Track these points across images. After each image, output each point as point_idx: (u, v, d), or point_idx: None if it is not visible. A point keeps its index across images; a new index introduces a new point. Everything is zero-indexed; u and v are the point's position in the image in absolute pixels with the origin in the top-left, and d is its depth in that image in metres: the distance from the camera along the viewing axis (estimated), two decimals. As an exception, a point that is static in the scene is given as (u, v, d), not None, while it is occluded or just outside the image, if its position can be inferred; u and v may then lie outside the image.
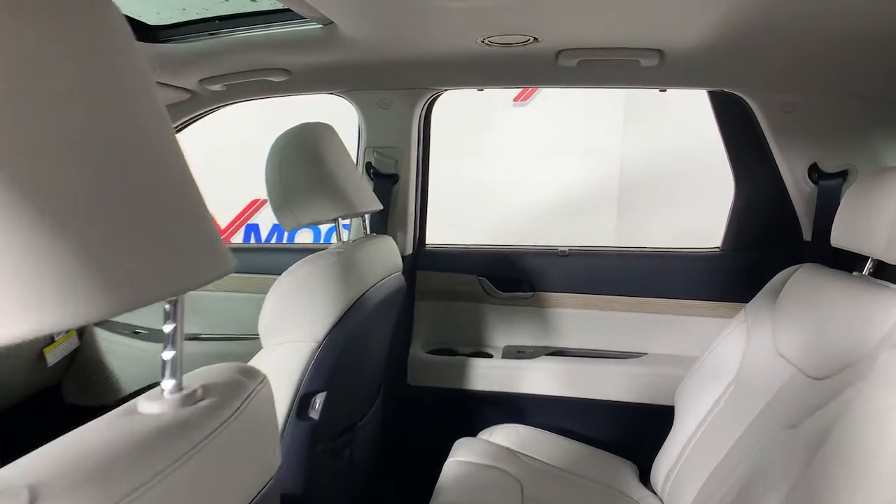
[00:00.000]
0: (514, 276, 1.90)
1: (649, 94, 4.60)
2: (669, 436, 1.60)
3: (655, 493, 1.59)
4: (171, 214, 0.44)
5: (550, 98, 4.30)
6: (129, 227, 0.39)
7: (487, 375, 1.85)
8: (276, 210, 1.28)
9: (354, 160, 1.79)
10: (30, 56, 0.36)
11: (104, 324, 2.07)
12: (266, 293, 1.19)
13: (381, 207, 1.53)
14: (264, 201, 4.25)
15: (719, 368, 1.55)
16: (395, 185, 1.79)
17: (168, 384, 0.52)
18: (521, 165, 4.49)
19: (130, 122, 0.43)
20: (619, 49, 1.37)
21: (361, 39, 1.31)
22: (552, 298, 1.89)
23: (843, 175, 1.59)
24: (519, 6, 1.09)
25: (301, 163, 1.28)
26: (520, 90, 4.32)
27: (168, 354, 0.51)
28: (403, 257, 1.75)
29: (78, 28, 0.40)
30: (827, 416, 1.11)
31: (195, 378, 0.58)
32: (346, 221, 1.73)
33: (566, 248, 1.88)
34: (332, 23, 1.23)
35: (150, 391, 0.53)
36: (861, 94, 1.53)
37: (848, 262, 1.59)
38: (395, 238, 1.71)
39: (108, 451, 0.43)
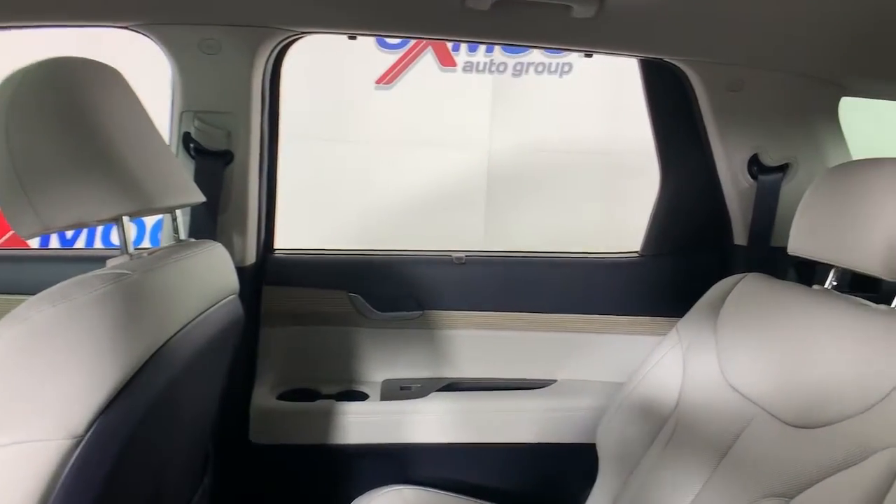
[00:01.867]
0: (397, 290, 1.46)
1: (518, 84, 4.42)
2: (595, 487, 1.28)
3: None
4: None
5: (416, 83, 3.95)
6: None
7: (361, 423, 1.39)
8: (5, 205, 0.73)
9: (166, 129, 1.24)
10: None
11: None
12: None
13: (203, 199, 1.01)
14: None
15: (651, 403, 1.25)
16: (229, 166, 1.26)
17: None
18: (383, 154, 4.10)
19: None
20: None
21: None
22: (445, 318, 1.48)
23: (783, 169, 1.37)
24: None
25: (49, 125, 0.74)
26: (383, 72, 3.91)
27: None
28: (241, 269, 1.24)
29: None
30: (850, 488, 0.82)
31: None
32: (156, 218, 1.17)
33: (462, 255, 1.48)
34: None
35: None
36: (810, 76, 1.30)
37: (782, 270, 1.39)
38: (228, 243, 1.20)
39: None
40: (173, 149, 1.23)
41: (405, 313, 1.46)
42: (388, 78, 3.96)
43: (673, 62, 1.28)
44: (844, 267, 1.04)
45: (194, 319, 0.88)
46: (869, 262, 0.96)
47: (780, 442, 0.98)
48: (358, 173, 3.97)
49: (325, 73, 3.64)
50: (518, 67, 4.04)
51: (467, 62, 4.02)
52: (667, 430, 1.20)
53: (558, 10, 1.05)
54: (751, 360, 1.11)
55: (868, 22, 1.01)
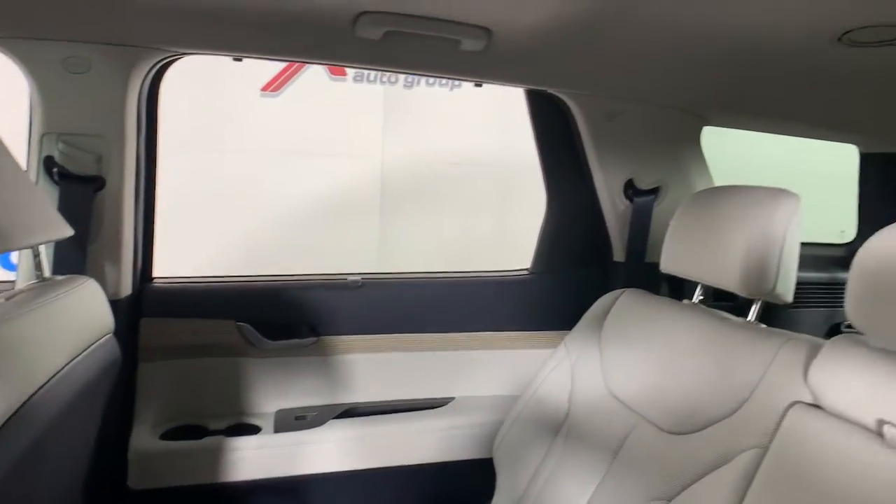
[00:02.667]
0: (289, 318, 1.42)
1: (410, 95, 4.43)
2: (494, 499, 1.31)
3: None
4: None
5: (305, 91, 3.85)
6: None
7: (254, 458, 1.33)
8: None
9: (24, 153, 1.12)
10: None
11: None
12: None
13: (71, 232, 0.92)
14: None
15: (544, 415, 1.31)
16: (100, 192, 1.16)
17: None
18: (269, 165, 3.94)
19: None
20: (439, 21, 1.00)
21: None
22: (340, 343, 1.45)
23: (655, 192, 1.48)
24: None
25: None
26: (269, 79, 3.78)
27: None
28: (116, 302, 1.15)
29: None
30: (720, 487, 0.90)
31: None
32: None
33: (359, 278, 1.46)
34: None
35: None
36: (677, 109, 1.42)
37: (657, 284, 1.50)
38: (100, 276, 1.11)
39: None
40: (32, 175, 1.12)
41: (298, 340, 1.42)
42: (275, 86, 3.82)
43: (555, 93, 1.35)
44: (707, 284, 1.14)
45: (63, 369, 0.80)
46: (727, 280, 1.06)
47: (658, 448, 1.06)
48: (242, 185, 3.79)
49: (206, 78, 3.46)
50: (409, 79, 4.06)
51: (358, 72, 3.97)
52: (559, 440, 1.25)
53: (448, 43, 1.07)
54: (630, 371, 1.19)
55: (726, 64, 1.12)
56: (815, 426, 0.81)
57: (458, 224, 4.16)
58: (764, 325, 1.06)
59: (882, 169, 1.73)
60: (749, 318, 1.09)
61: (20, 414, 0.68)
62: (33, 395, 0.72)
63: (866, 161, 1.76)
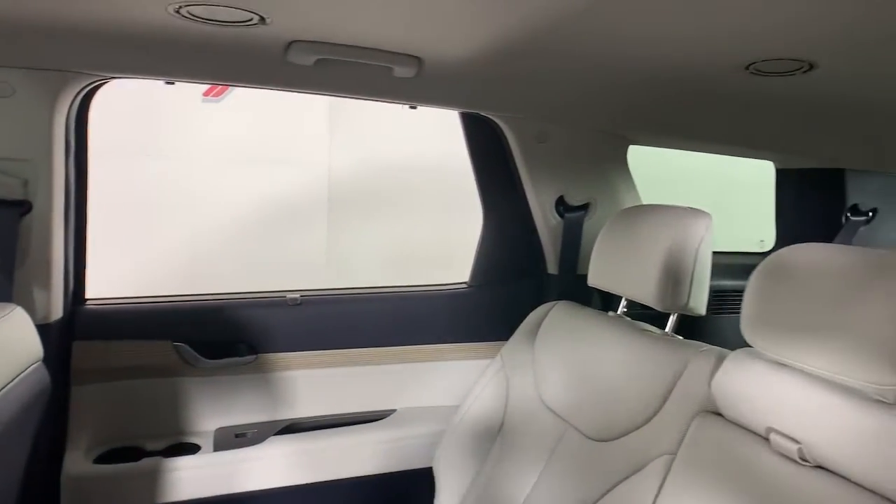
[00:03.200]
0: (228, 336, 1.42)
1: (356, 101, 4.44)
2: (433, 507, 1.35)
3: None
4: None
5: (248, 97, 3.79)
6: None
7: (194, 477, 1.33)
8: None
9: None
10: None
11: None
12: None
13: None
14: None
15: (480, 425, 1.36)
16: (26, 216, 1.14)
17: None
18: (213, 172, 3.86)
19: None
20: (369, 50, 1.04)
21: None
22: (280, 360, 1.46)
23: (584, 208, 1.55)
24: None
25: None
26: (211, 84, 3.71)
27: None
28: (46, 326, 1.14)
29: None
30: (636, 492, 0.96)
31: None
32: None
33: (297, 295, 1.48)
34: None
35: None
36: (603, 130, 1.50)
37: (587, 296, 1.57)
38: (28, 301, 1.10)
39: None
40: (-46, 199, 1.09)
41: (237, 359, 1.42)
42: (217, 91, 3.75)
43: (488, 115, 1.40)
44: (628, 298, 1.22)
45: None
46: (645, 295, 1.13)
47: (583, 454, 1.12)
48: (183, 194, 3.71)
49: (145, 83, 3.38)
50: (354, 86, 4.03)
51: (303, 79, 3.92)
52: (495, 448, 1.31)
53: (380, 70, 1.10)
54: (560, 380, 1.25)
55: (647, 89, 1.19)
56: (716, 433, 0.88)
57: (407, 233, 4.17)
58: (679, 337, 1.14)
59: (796, 183, 1.86)
60: (666, 329, 1.16)
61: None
62: None
63: (782, 176, 1.88)
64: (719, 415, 0.91)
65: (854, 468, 0.69)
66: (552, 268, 1.59)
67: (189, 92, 3.67)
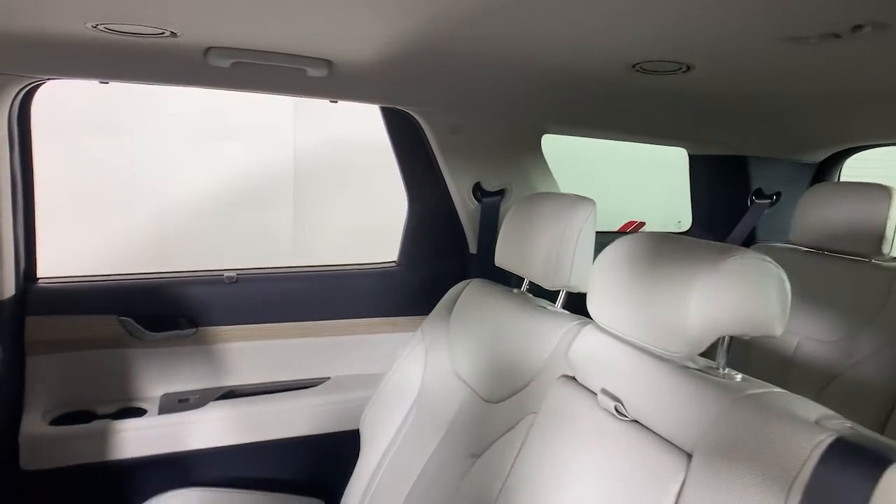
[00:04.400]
0: (169, 311, 1.56)
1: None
2: (357, 465, 1.51)
3: (346, 531, 1.49)
4: None
5: (212, 75, 3.81)
6: None
7: (140, 437, 1.48)
8: None
9: None
10: None
11: None
12: None
13: None
14: None
15: (401, 391, 1.51)
16: (-24, 204, 1.27)
17: None
18: (178, 149, 3.92)
19: None
20: (282, 55, 1.16)
21: None
22: (219, 333, 1.61)
23: (500, 193, 1.69)
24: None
25: None
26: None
27: None
28: (1, 303, 1.26)
29: None
30: (508, 446, 1.13)
31: None
32: None
33: (234, 273, 1.62)
34: None
35: None
36: (515, 121, 1.63)
37: (503, 274, 1.72)
38: None
39: None
40: None
41: (179, 332, 1.57)
42: (183, 68, 3.78)
43: (403, 109, 1.53)
44: (524, 277, 1.36)
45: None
46: (535, 274, 1.28)
47: (478, 414, 1.28)
48: (150, 170, 3.77)
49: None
50: (318, 66, 4.09)
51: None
52: (411, 412, 1.46)
53: (294, 70, 1.23)
54: (468, 350, 1.41)
55: (549, 84, 1.32)
56: (567, 393, 1.04)
57: (371, 211, 4.27)
58: (566, 312, 1.29)
59: (706, 169, 2.01)
60: (557, 305, 1.32)
61: None
62: None
63: (694, 162, 2.04)
64: (574, 378, 1.07)
65: (657, 421, 0.85)
66: (472, 248, 1.74)
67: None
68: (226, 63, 1.17)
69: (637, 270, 0.91)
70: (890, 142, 1.83)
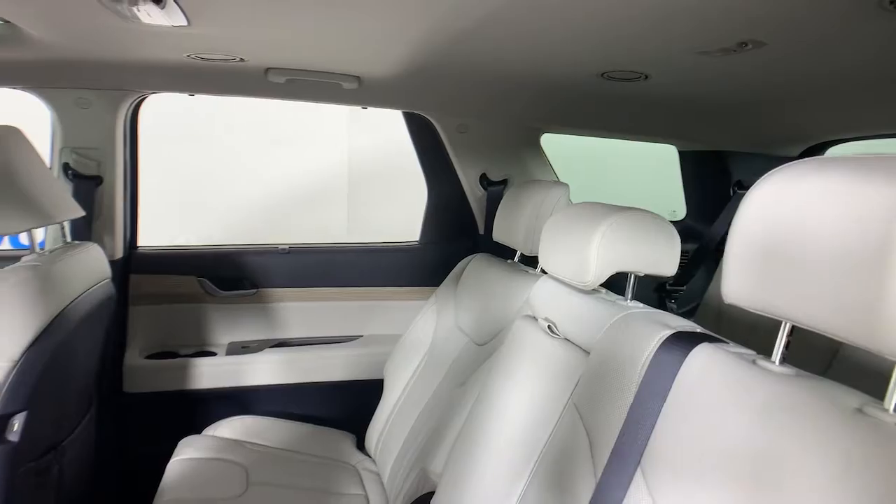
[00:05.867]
0: (236, 274, 1.97)
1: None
2: (379, 406, 1.87)
3: (370, 457, 1.84)
4: None
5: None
6: None
7: (211, 373, 1.90)
8: None
9: (49, 162, 1.66)
10: None
11: None
12: None
13: (83, 213, 1.46)
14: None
15: (415, 345, 1.86)
16: (100, 187, 1.71)
17: None
18: (247, 154, 4.42)
19: None
20: (322, 73, 1.54)
21: (49, 40, 1.25)
22: (274, 294, 2.01)
23: (504, 183, 2.02)
24: (222, 33, 1.18)
25: None
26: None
27: None
28: (113, 262, 1.69)
29: None
30: (482, 373, 1.46)
31: None
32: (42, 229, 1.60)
33: (287, 246, 2.02)
34: (11, 23, 1.16)
35: None
36: (514, 121, 1.97)
37: (506, 249, 2.05)
38: (101, 243, 1.65)
39: None
40: (55, 174, 1.66)
41: (243, 291, 1.97)
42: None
43: (419, 112, 1.89)
44: (513, 248, 1.68)
45: (81, 295, 1.35)
46: (519, 244, 1.60)
47: (470, 354, 1.61)
48: (221, 173, 4.29)
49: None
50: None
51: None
52: (422, 362, 1.81)
53: (333, 84, 1.61)
54: (468, 308, 1.74)
55: (540, 93, 1.62)
56: (524, 326, 1.36)
57: (413, 206, 4.61)
58: (541, 272, 1.60)
59: (693, 163, 2.27)
60: (537, 269, 1.63)
61: (56, 319, 1.23)
62: (64, 308, 1.26)
63: (683, 157, 2.30)
64: (531, 316, 1.38)
65: (573, 333, 1.16)
66: (481, 229, 2.07)
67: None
68: (281, 79, 1.56)
69: (567, 229, 1.22)
70: (861, 135, 2.04)
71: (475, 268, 1.83)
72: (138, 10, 0.98)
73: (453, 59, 1.34)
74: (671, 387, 0.87)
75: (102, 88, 1.64)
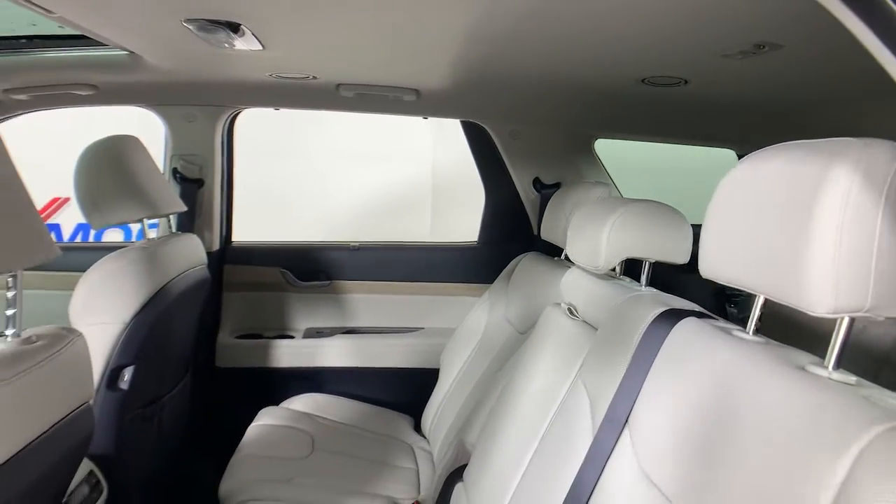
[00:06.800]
0: (313, 267, 2.22)
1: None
2: (434, 391, 2.03)
3: (425, 437, 2.01)
4: (11, 221, 0.71)
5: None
6: None
7: (290, 353, 2.15)
8: (86, 212, 1.47)
9: (161, 166, 1.99)
10: None
11: None
12: (69, 290, 1.36)
13: (185, 209, 1.75)
14: (66, 200, 4.08)
15: (469, 335, 2.01)
16: (201, 188, 2.02)
17: (10, 331, 0.77)
18: (339, 167, 4.79)
19: None
20: (386, 87, 1.75)
21: (164, 67, 1.55)
22: (346, 286, 2.24)
23: (556, 186, 2.14)
24: (294, 55, 1.42)
25: (108, 170, 1.48)
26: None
27: (10, 312, 0.77)
28: (210, 253, 1.98)
29: None
30: (517, 356, 1.59)
31: (31, 331, 0.83)
32: (154, 221, 1.91)
33: (357, 243, 2.25)
34: (135, 53, 1.45)
35: None
36: (564, 127, 2.09)
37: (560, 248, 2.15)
38: (201, 236, 1.94)
39: None
40: (166, 176, 1.99)
41: (318, 282, 2.22)
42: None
43: (475, 121, 2.06)
44: (559, 246, 1.79)
45: (180, 275, 1.63)
46: (561, 241, 1.71)
47: (512, 342, 1.73)
48: (315, 184, 4.68)
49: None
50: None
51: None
52: (474, 351, 1.95)
53: (395, 98, 1.81)
54: (518, 302, 1.87)
55: (590, 100, 1.74)
56: (552, 313, 1.47)
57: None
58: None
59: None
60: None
61: (159, 292, 1.50)
62: (166, 284, 1.54)
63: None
64: (559, 304, 1.49)
65: (589, 314, 1.27)
66: (535, 230, 2.19)
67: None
68: (350, 94, 1.79)
69: (586, 219, 1.34)
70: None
71: (525, 265, 1.96)
72: (224, 39, 1.22)
73: (498, 67, 1.48)
74: (657, 355, 0.97)
75: (205, 104, 1.95)
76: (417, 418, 2.10)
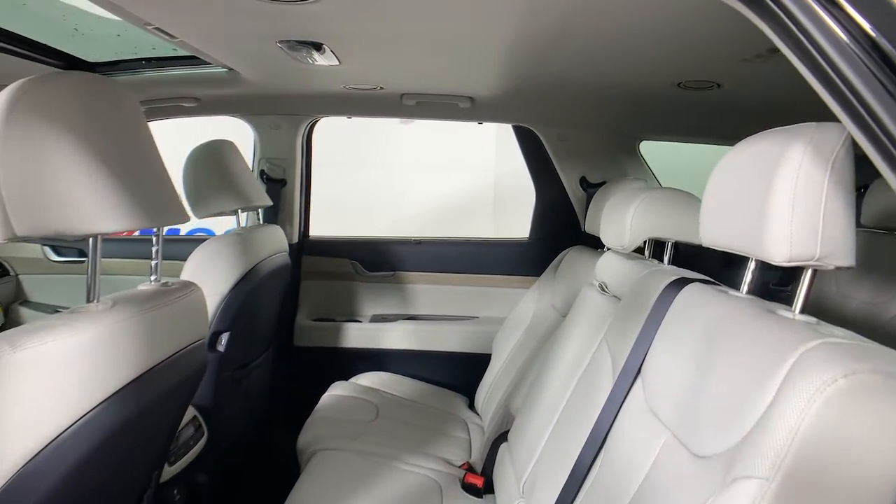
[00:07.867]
0: (380, 259, 2.47)
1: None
2: (486, 372, 2.22)
3: (477, 413, 2.19)
4: (156, 187, 0.96)
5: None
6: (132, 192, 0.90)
7: (358, 336, 2.40)
8: (191, 203, 1.76)
9: (251, 167, 2.29)
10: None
11: (28, 303, 2.42)
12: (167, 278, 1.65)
13: (271, 203, 2.03)
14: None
15: (518, 321, 2.19)
16: (284, 187, 2.31)
17: (153, 277, 1.04)
18: (407, 177, 5.08)
19: (133, 144, 0.95)
20: (443, 95, 1.98)
21: (256, 81, 1.83)
22: (408, 276, 2.47)
23: (602, 184, 2.29)
24: (365, 69, 1.67)
25: (209, 169, 1.77)
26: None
27: (154, 262, 1.04)
28: (291, 245, 2.26)
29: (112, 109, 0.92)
30: (555, 335, 1.75)
31: (165, 279, 1.10)
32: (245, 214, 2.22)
33: (419, 238, 2.48)
34: (234, 69, 1.74)
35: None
36: (608, 129, 2.25)
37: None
38: (284, 228, 2.22)
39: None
40: (255, 176, 2.29)
41: (384, 273, 2.46)
42: (411, 115, 4.94)
43: (525, 125, 2.25)
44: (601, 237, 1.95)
45: (266, 258, 1.90)
46: (595, 232, 1.87)
47: (556, 323, 1.90)
48: (388, 191, 5.00)
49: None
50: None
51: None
52: (521, 337, 2.13)
53: (452, 104, 2.04)
54: (563, 291, 2.04)
55: (630, 104, 1.90)
56: (586, 291, 1.63)
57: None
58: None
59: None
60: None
61: (250, 271, 1.76)
62: (255, 265, 1.80)
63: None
64: (594, 283, 1.65)
65: (616, 287, 1.43)
66: (581, 226, 2.35)
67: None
68: (412, 102, 2.03)
69: (615, 204, 1.50)
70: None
71: (571, 257, 2.13)
72: (307, 56, 1.48)
73: (544, 74, 1.65)
74: (666, 314, 1.13)
75: (288, 114, 2.24)
76: (471, 398, 2.29)
